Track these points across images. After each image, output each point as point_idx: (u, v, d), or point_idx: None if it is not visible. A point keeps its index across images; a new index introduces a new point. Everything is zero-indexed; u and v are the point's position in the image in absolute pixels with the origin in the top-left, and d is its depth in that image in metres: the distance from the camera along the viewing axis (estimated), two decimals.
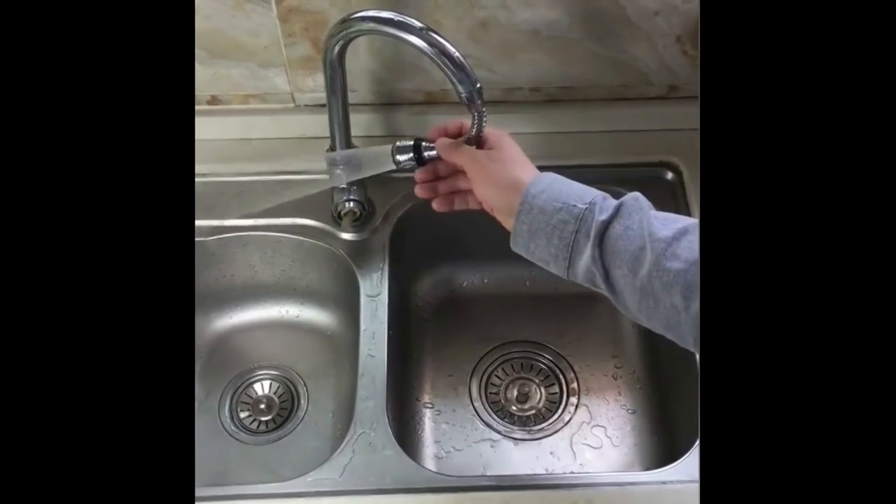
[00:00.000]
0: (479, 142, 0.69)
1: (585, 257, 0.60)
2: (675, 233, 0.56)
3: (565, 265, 0.62)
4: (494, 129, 0.69)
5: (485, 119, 0.67)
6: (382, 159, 0.74)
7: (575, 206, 0.61)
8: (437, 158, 0.71)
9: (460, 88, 0.65)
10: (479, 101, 0.65)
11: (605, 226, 0.59)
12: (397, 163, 0.73)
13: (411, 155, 0.72)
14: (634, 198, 0.60)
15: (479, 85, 0.65)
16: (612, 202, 0.61)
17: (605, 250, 0.59)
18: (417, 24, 0.64)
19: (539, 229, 0.62)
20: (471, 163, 0.67)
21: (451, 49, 0.64)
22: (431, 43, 0.64)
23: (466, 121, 0.69)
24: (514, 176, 0.65)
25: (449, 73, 0.64)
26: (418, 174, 0.73)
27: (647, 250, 0.57)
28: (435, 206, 0.73)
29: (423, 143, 0.72)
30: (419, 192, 0.73)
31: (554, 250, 0.62)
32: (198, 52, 0.87)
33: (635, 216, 0.59)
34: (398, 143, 0.73)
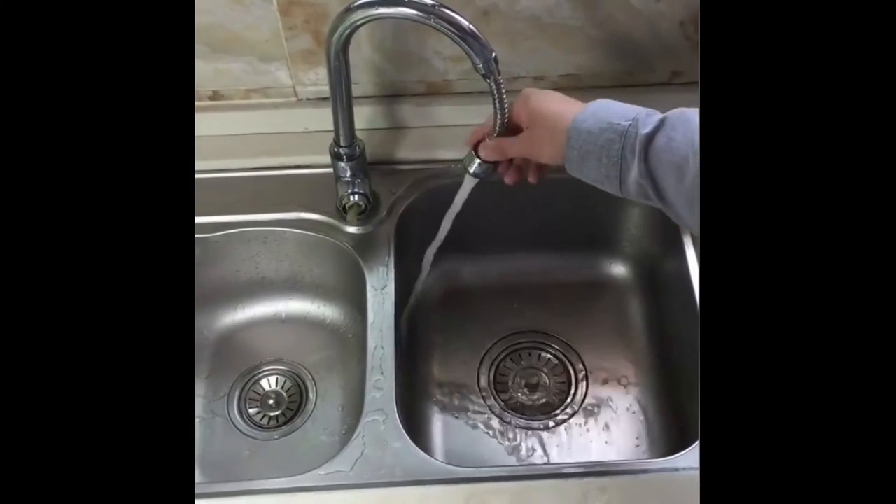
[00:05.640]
0: (510, 116, 0.70)
1: (634, 172, 0.61)
2: None
3: (617, 183, 0.63)
4: (519, 105, 0.70)
5: (503, 88, 0.68)
6: (465, 185, 0.77)
7: (619, 123, 0.62)
8: None
9: (476, 60, 0.66)
10: (497, 72, 0.66)
11: (649, 139, 0.60)
12: (477, 175, 0.75)
13: (478, 161, 0.74)
14: (680, 112, 0.60)
15: (494, 55, 0.66)
16: (657, 116, 0.61)
17: (651, 163, 0.60)
18: (428, 0, 0.65)
19: (589, 151, 0.63)
20: (520, 149, 0.70)
21: (464, 22, 0.65)
22: (444, 18, 0.64)
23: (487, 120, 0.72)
24: (558, 126, 0.65)
25: (464, 46, 0.65)
26: (502, 170, 0.74)
27: (690, 159, 0.57)
28: (530, 180, 0.75)
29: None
30: (509, 181, 0.74)
31: (604, 170, 0.63)
32: (198, 47, 0.86)
33: (680, 128, 0.59)
34: (464, 163, 0.75)
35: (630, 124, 0.61)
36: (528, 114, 0.69)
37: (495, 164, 0.74)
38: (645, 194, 0.62)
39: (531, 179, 0.74)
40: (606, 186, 0.65)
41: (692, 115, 0.60)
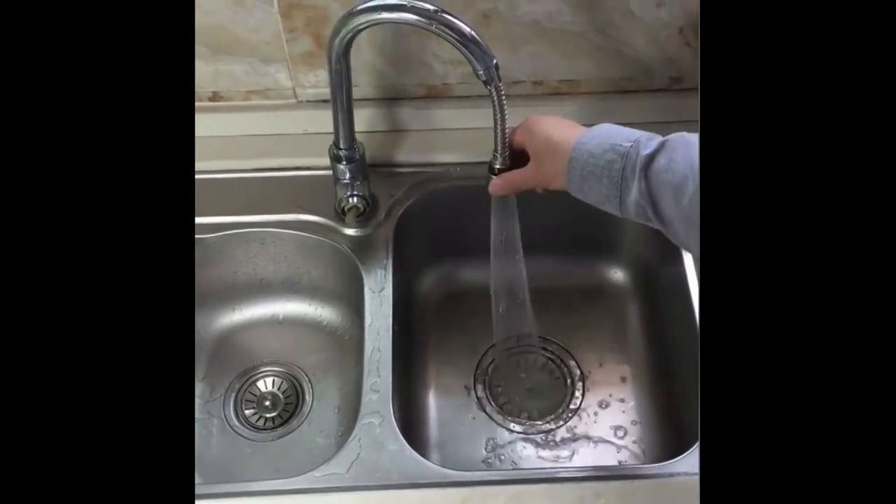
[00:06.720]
0: (511, 142, 0.71)
1: (634, 192, 0.62)
2: None
3: (617, 203, 0.64)
4: (521, 134, 0.71)
5: (503, 96, 0.68)
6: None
7: (621, 144, 0.63)
8: None
9: (477, 67, 0.66)
10: (498, 78, 0.67)
11: (650, 159, 0.61)
12: None
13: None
14: (681, 135, 0.62)
15: (495, 61, 0.66)
16: (658, 139, 0.62)
17: (651, 183, 0.61)
18: (430, 6, 0.65)
19: (590, 172, 0.65)
20: (530, 181, 0.71)
21: (466, 29, 0.65)
22: (446, 24, 0.65)
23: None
24: (564, 153, 0.66)
25: (465, 52, 0.65)
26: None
27: (689, 180, 0.58)
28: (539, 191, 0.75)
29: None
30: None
31: (605, 190, 0.64)
32: (199, 48, 0.87)
33: (681, 150, 0.60)
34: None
35: (631, 146, 0.62)
36: (532, 144, 0.70)
37: None
38: (644, 215, 0.63)
39: (539, 191, 0.74)
40: (607, 207, 0.66)
41: (692, 138, 0.61)
